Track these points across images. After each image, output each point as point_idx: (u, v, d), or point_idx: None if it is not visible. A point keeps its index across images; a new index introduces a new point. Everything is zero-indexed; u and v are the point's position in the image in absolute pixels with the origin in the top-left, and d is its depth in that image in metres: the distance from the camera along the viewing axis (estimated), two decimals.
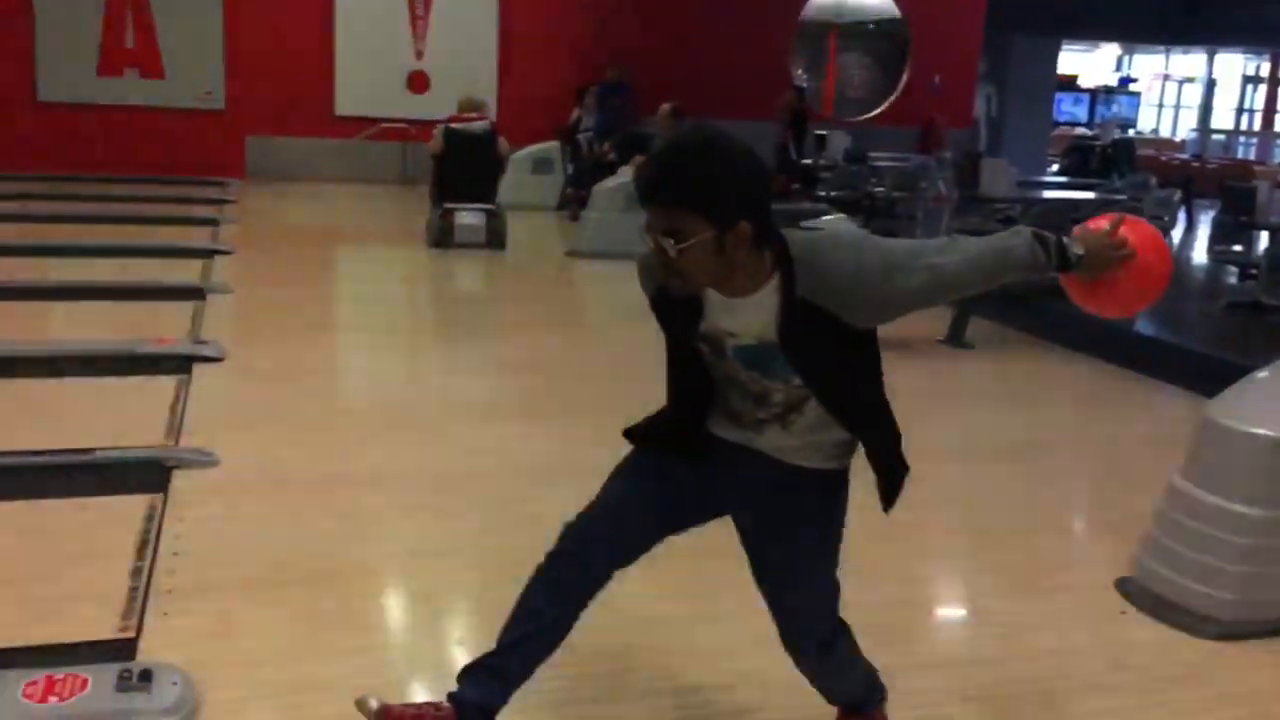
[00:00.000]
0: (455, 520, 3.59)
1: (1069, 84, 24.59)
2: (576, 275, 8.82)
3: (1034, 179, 12.53)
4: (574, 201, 10.76)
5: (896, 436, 2.08)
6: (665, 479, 2.12)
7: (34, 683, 2.34)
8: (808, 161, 12.22)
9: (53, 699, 2.30)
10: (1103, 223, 2.07)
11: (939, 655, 2.99)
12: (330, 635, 2.82)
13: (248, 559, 3.19)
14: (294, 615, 2.89)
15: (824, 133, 13.50)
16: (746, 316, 1.92)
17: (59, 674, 2.37)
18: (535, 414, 4.86)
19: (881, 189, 10.46)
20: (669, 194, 1.80)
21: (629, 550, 2.14)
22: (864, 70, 15.83)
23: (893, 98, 15.50)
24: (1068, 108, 24.90)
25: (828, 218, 7.03)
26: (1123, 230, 2.04)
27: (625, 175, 9.23)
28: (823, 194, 10.45)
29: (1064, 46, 20.02)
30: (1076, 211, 8.00)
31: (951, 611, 3.43)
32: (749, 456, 2.07)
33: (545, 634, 2.12)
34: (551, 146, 11.83)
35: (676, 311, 1.98)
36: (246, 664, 2.63)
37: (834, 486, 2.11)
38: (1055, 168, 16.65)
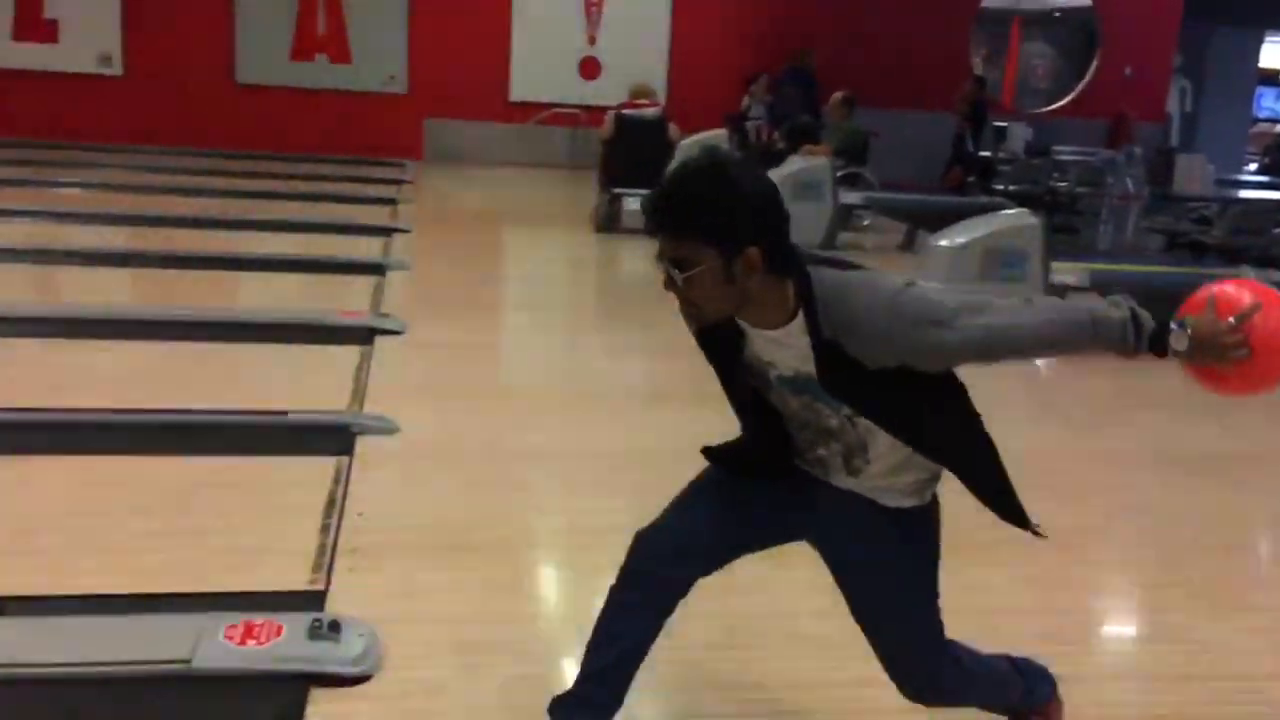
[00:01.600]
0: (620, 498, 3.62)
1: (1271, 78, 23.04)
2: None
3: (1231, 177, 11.81)
4: None
5: (992, 464, 1.93)
6: (738, 498, 2.07)
7: (234, 626, 2.49)
8: (986, 154, 11.83)
9: (251, 642, 2.45)
10: (1236, 296, 1.80)
11: (1122, 668, 2.86)
12: (503, 602, 2.91)
13: (426, 524, 3.31)
14: (469, 580, 2.99)
15: (1004, 125, 13.04)
16: (781, 350, 1.86)
17: (257, 619, 2.52)
18: (699, 398, 4.85)
19: (1064, 184, 10.04)
20: (672, 221, 1.76)
21: (705, 563, 2.10)
22: (1048, 60, 15.21)
23: (1079, 89, 14.84)
24: (1269, 103, 23.35)
25: (1008, 212, 6.81)
26: (1256, 319, 1.76)
27: (794, 164, 9.15)
28: (1000, 188, 10.10)
29: (1267, 39, 18.75)
30: None
31: (1136, 625, 3.27)
32: (825, 490, 2.00)
33: (627, 659, 2.11)
34: (720, 134, 11.80)
35: (719, 341, 1.93)
36: (425, 622, 2.73)
37: (916, 523, 1.98)
38: (1254, 166, 15.65)
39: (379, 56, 13.30)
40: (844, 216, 9.26)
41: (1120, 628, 3.25)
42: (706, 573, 2.10)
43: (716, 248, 1.73)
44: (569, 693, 2.15)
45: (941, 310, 1.76)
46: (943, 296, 1.80)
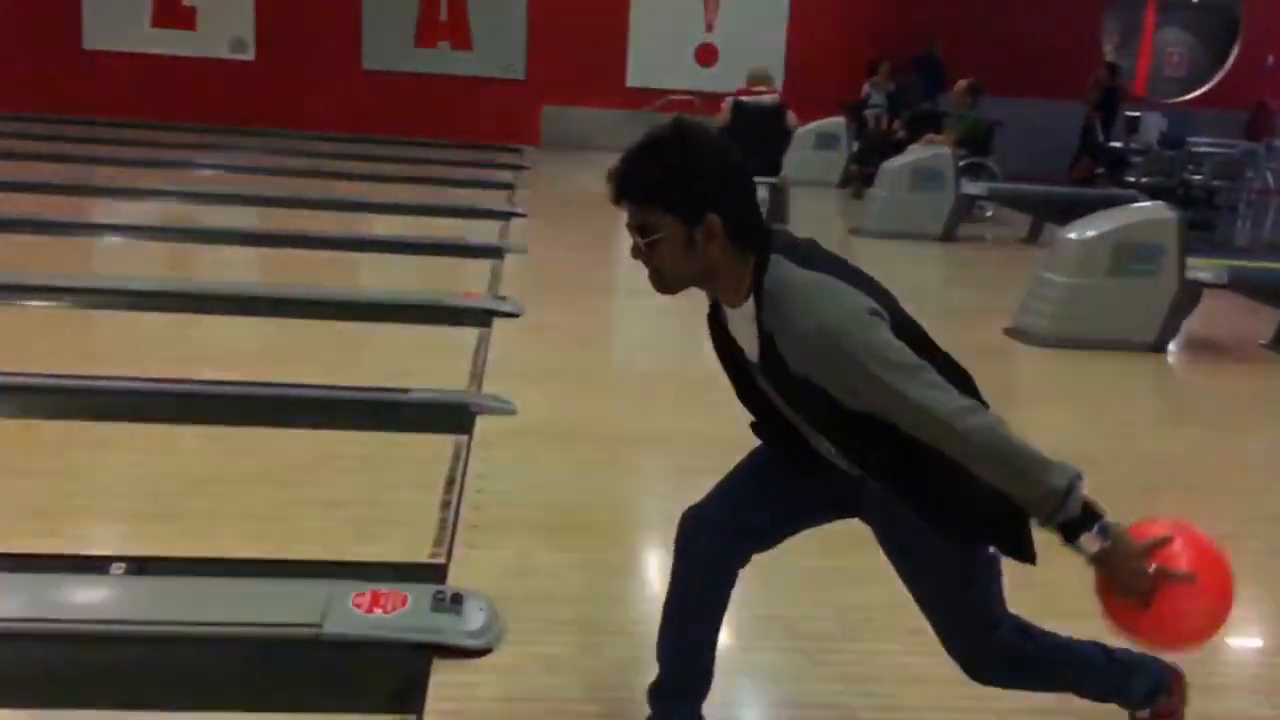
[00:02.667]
0: None
1: None
2: (859, 254, 8.66)
3: None
4: (858, 179, 10.57)
5: (943, 488, 1.79)
6: (783, 474, 2.06)
7: (362, 594, 2.58)
8: (1116, 145, 11.43)
9: (378, 610, 2.52)
10: (1156, 531, 1.70)
11: (1242, 680, 2.75)
12: (619, 583, 2.95)
13: (542, 504, 3.37)
14: (585, 560, 3.03)
15: (1136, 115, 12.58)
16: (743, 331, 1.85)
17: (383, 589, 2.60)
18: None
19: (1199, 177, 9.64)
20: (632, 188, 1.78)
21: (756, 537, 2.10)
22: (1184, 47, 14.59)
23: (1217, 78, 14.20)
24: None
25: (1142, 205, 6.56)
26: (1176, 552, 1.67)
27: (914, 153, 8.98)
28: (1131, 180, 9.75)
29: None
30: None
31: (1260, 636, 3.13)
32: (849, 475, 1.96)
33: (700, 634, 2.12)
34: (837, 122, 11.66)
35: (715, 325, 1.94)
36: (543, 600, 2.77)
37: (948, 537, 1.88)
38: None
39: (499, 43, 13.50)
40: (965, 208, 9.06)
41: (1243, 639, 3.11)
42: (760, 547, 2.12)
43: (677, 215, 1.76)
44: (659, 680, 2.17)
45: (894, 356, 1.68)
46: (899, 350, 1.69)
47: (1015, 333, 5.79)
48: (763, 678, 2.56)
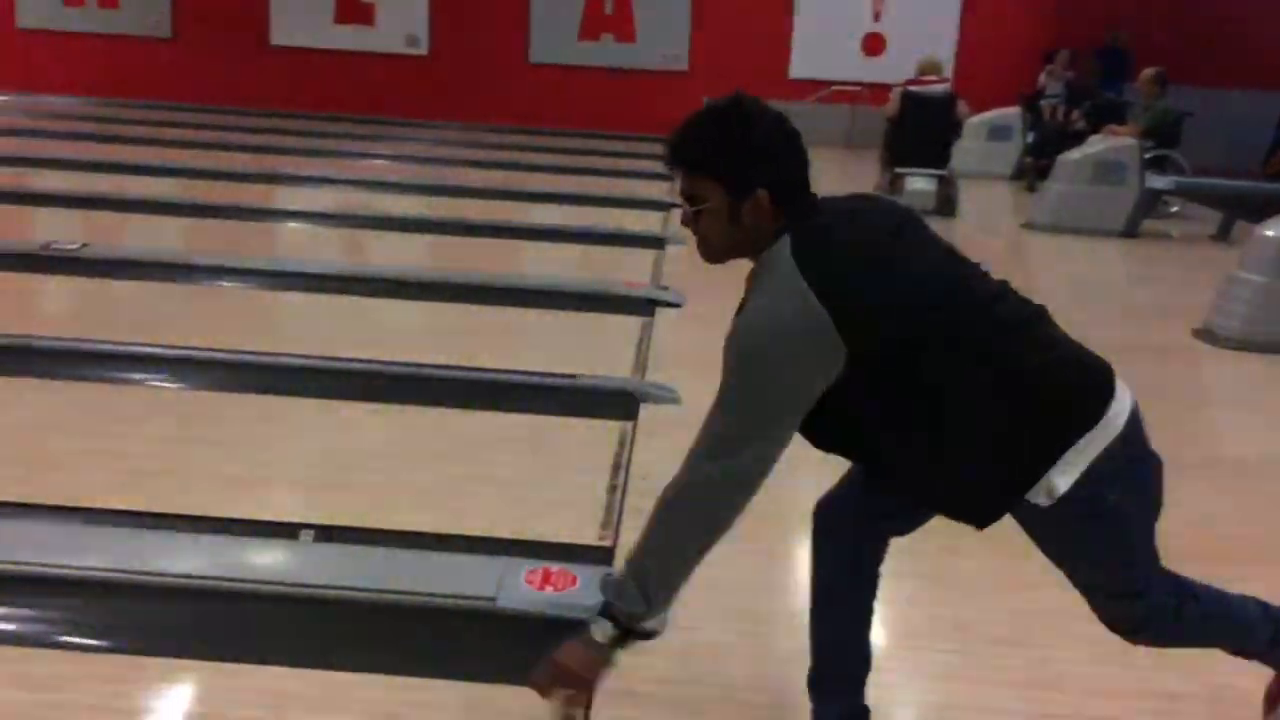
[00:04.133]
0: None
1: None
2: (1032, 249, 8.36)
3: None
4: (1032, 171, 10.19)
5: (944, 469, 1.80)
6: None
7: (534, 571, 2.63)
8: None
9: (549, 588, 2.58)
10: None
11: None
12: (785, 573, 2.92)
13: None
14: (752, 550, 2.99)
15: None
16: None
17: (554, 568, 2.65)
18: None
19: None
20: (685, 156, 1.80)
21: (891, 520, 2.05)
22: None
23: None
24: None
25: None
26: None
27: (1095, 145, 8.59)
28: None
29: None
30: None
31: None
32: None
33: (851, 623, 2.09)
34: (1011, 113, 11.27)
35: None
36: (709, 588, 2.73)
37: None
38: None
39: (662, 35, 13.57)
40: (1150, 202, 8.61)
41: None
42: (895, 529, 2.07)
43: (725, 187, 1.77)
44: (812, 670, 2.15)
45: (739, 395, 1.75)
46: (748, 393, 1.75)
47: (1204, 334, 5.48)
48: (932, 679, 2.50)
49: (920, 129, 8.57)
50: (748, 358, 1.75)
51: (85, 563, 2.66)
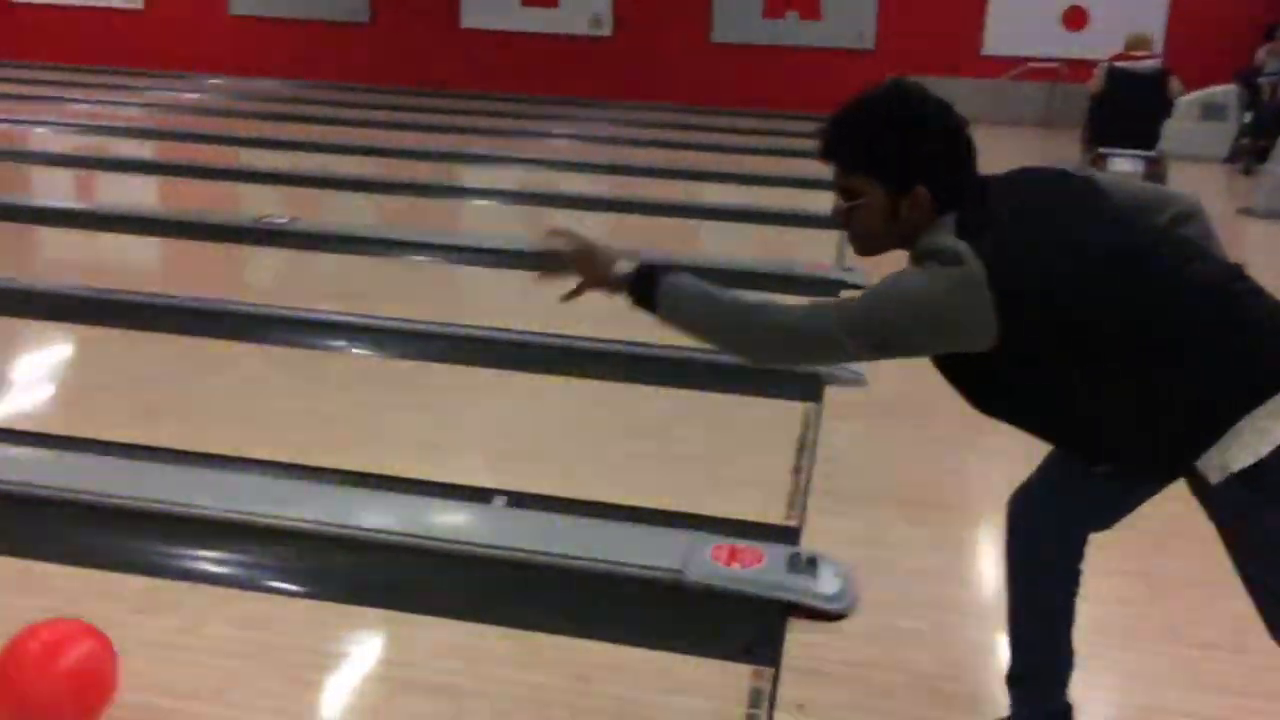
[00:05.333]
0: None
1: None
2: (1249, 237, 7.81)
3: None
4: (1249, 153, 9.53)
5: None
6: None
7: (720, 547, 2.64)
8: None
9: (735, 565, 2.58)
10: None
11: None
12: (975, 563, 2.86)
13: (896, 477, 3.31)
14: (941, 538, 2.95)
15: None
16: None
17: (740, 545, 2.65)
18: None
19: None
20: (840, 151, 1.73)
21: (1086, 515, 1.93)
22: None
23: None
24: None
25: None
26: None
27: None
28: None
29: None
30: None
31: None
32: None
33: (1049, 618, 1.99)
34: (1226, 90, 10.54)
35: None
36: (897, 573, 2.72)
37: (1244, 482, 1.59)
38: None
39: (848, 13, 13.29)
40: None
41: None
42: (1098, 525, 1.96)
43: (883, 183, 1.69)
44: (1011, 665, 2.07)
45: (866, 324, 1.68)
46: (873, 325, 1.68)
47: None
48: (1140, 680, 2.38)
49: (1127, 108, 8.10)
50: (895, 299, 1.67)
51: (296, 514, 2.83)
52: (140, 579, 2.56)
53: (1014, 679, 2.08)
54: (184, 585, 2.57)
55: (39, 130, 9.65)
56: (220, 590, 2.57)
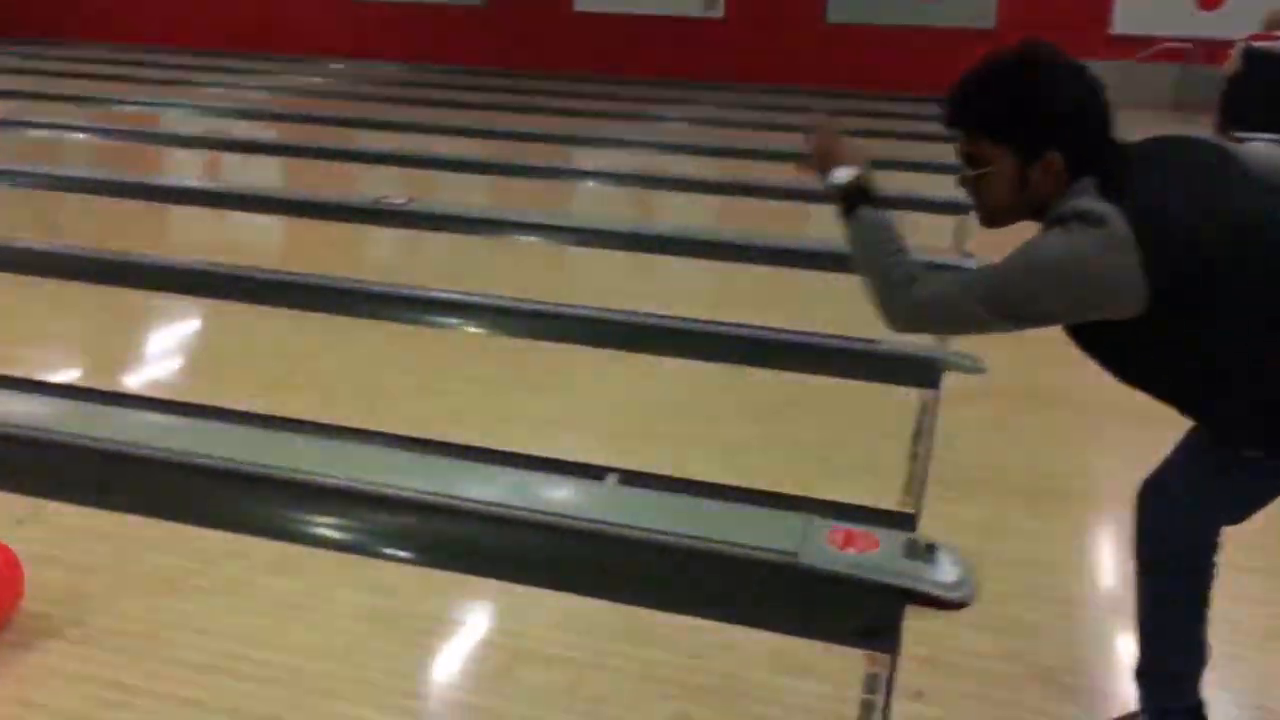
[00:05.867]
0: None
1: None
2: None
3: None
4: None
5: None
6: None
7: (835, 531, 2.62)
8: None
9: (850, 550, 2.56)
10: None
11: None
12: (1098, 554, 2.78)
13: (1016, 466, 3.23)
14: (1063, 529, 2.87)
15: None
16: None
17: (856, 529, 2.62)
18: None
19: None
20: (968, 116, 1.68)
21: (1224, 512, 1.84)
22: None
23: None
24: None
25: None
26: None
27: None
28: None
29: None
30: None
31: None
32: None
33: (1179, 622, 1.91)
34: None
35: None
36: (1018, 563, 2.66)
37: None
38: None
39: None
40: None
41: None
42: (1229, 520, 1.87)
43: (1013, 149, 1.64)
44: (1140, 660, 2.00)
45: (1003, 289, 1.65)
46: (1009, 291, 1.65)
47: None
48: (1277, 683, 2.29)
49: (1266, 89, 7.74)
50: (1037, 263, 1.62)
51: (416, 486, 2.90)
52: (270, 543, 2.66)
53: (1142, 675, 2.02)
54: (310, 550, 2.66)
55: (171, 113, 10.04)
56: (344, 556, 2.65)
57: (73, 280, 4.78)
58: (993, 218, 1.76)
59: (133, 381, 3.83)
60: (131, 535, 2.67)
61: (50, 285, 4.74)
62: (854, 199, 1.84)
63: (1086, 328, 1.70)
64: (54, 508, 2.77)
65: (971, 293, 1.68)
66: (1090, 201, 1.60)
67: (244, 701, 2.08)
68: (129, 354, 4.17)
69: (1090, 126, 1.67)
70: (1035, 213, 1.71)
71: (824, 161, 1.88)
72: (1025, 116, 1.65)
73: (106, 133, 8.71)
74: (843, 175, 1.85)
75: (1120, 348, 1.71)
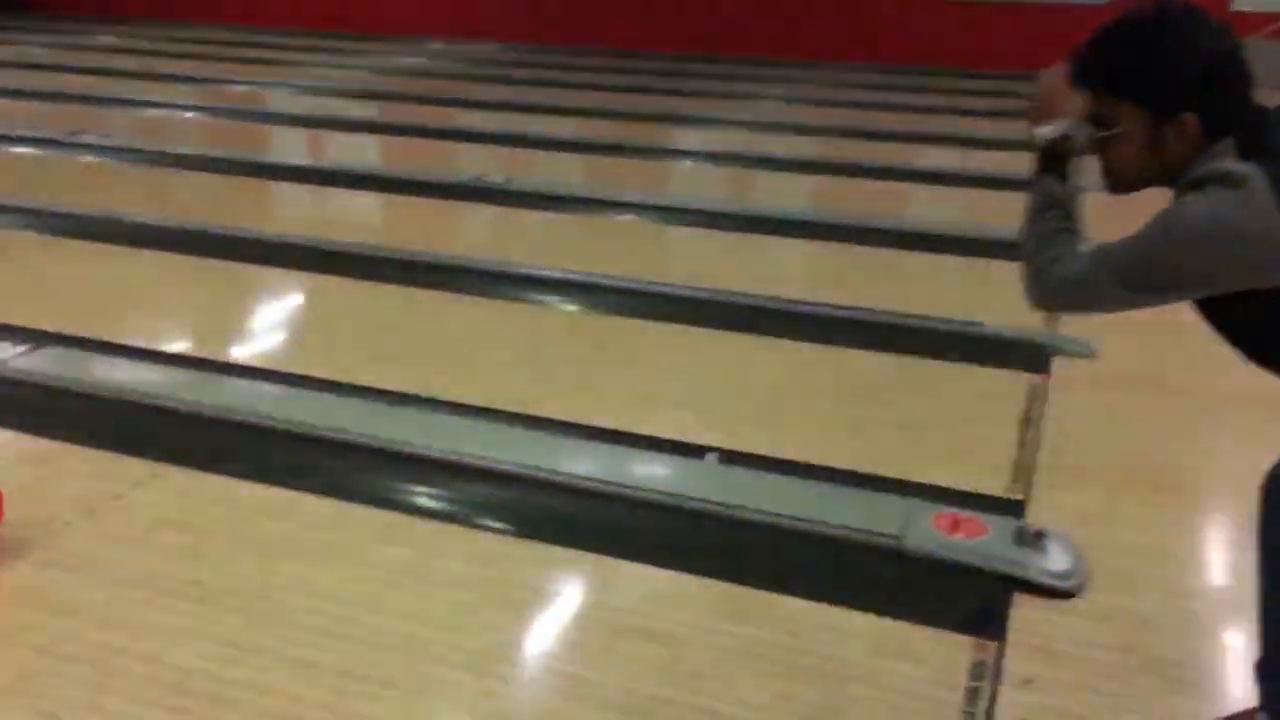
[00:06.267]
0: None
1: None
2: None
3: None
4: None
5: None
6: None
7: (941, 516, 2.58)
8: None
9: (958, 535, 2.51)
10: None
11: None
12: (1213, 546, 2.71)
13: (1129, 454, 3.14)
14: (1177, 519, 2.78)
15: None
16: None
17: (964, 515, 2.57)
18: None
19: None
20: (1098, 74, 1.60)
21: None
22: None
23: None
24: None
25: None
26: None
27: None
28: None
29: None
30: None
31: None
32: None
33: None
34: None
35: None
36: (1130, 554, 2.59)
37: None
38: None
39: None
40: None
41: None
42: None
43: (1147, 110, 1.57)
44: (1260, 654, 1.91)
45: (1146, 260, 1.57)
46: (1154, 262, 1.57)
47: None
48: None
49: None
50: (1176, 231, 1.55)
51: (518, 459, 2.92)
52: (378, 511, 2.71)
53: (1261, 669, 1.94)
54: (416, 520, 2.71)
55: (278, 92, 10.28)
56: (446, 526, 2.69)
57: (185, 254, 4.94)
58: (1120, 183, 1.69)
59: (242, 352, 3.94)
60: (244, 500, 2.75)
61: (164, 258, 4.90)
62: (1047, 162, 1.75)
63: (1219, 301, 1.63)
64: (172, 472, 2.86)
65: (1105, 268, 1.61)
66: (1230, 163, 1.53)
67: (354, 664, 2.13)
68: (238, 325, 4.29)
69: (1229, 87, 1.59)
70: (1167, 178, 1.64)
71: (1037, 113, 1.77)
72: (1159, 74, 1.58)
73: (216, 111, 8.95)
74: (1046, 132, 1.74)
75: (1255, 323, 1.63)
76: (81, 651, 2.14)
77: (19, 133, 7.38)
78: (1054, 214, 1.73)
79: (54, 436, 3.06)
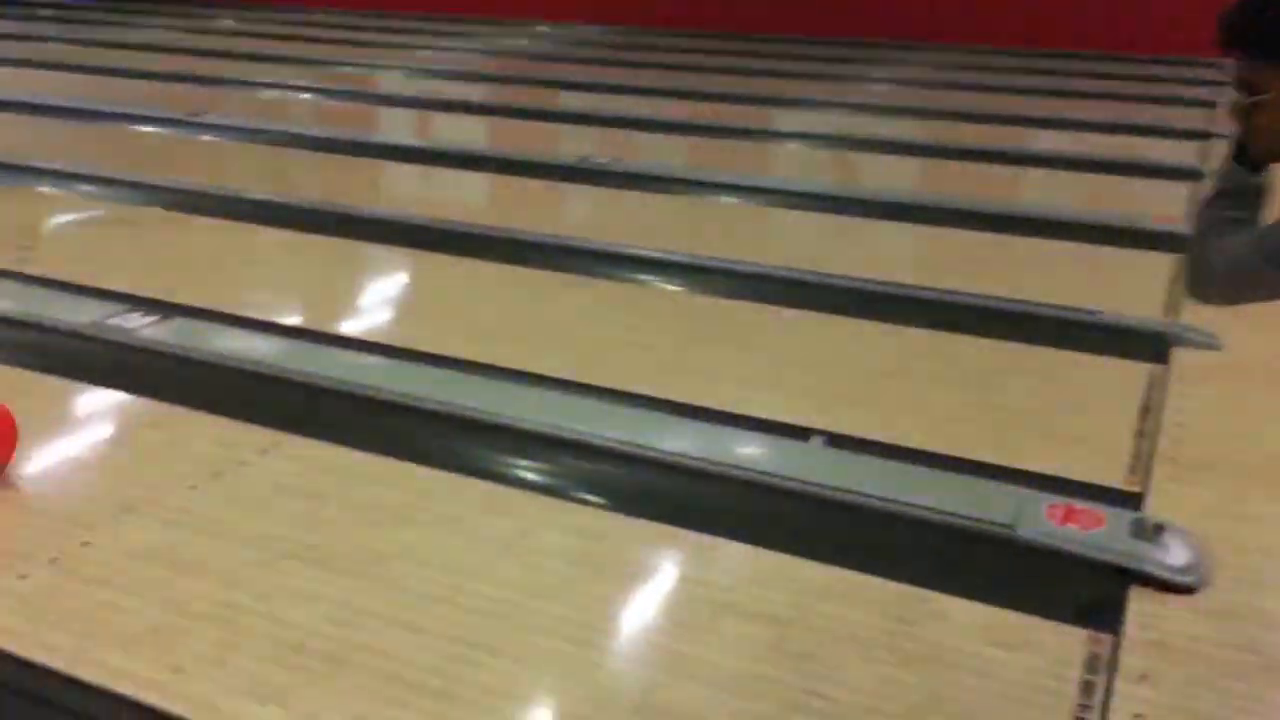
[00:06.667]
0: None
1: None
2: None
3: None
4: None
5: None
6: None
7: (1055, 506, 2.51)
8: None
9: (1072, 525, 2.45)
10: None
11: None
12: None
13: (1255, 449, 3.02)
14: None
15: None
16: None
17: (1078, 505, 2.50)
18: None
19: None
20: (1250, 36, 1.54)
21: None
22: None
23: None
24: None
25: None
26: None
27: None
28: None
29: None
30: None
31: None
32: None
33: None
34: None
35: None
36: (1255, 550, 2.50)
37: None
38: None
39: None
40: None
41: None
42: None
43: None
44: None
45: None
46: None
47: None
48: None
49: None
50: None
51: (622, 437, 2.95)
52: (483, 483, 2.76)
53: None
54: (520, 493, 2.75)
55: (390, 74, 10.48)
56: (551, 500, 2.72)
57: (301, 231, 5.08)
58: (1269, 151, 1.62)
59: (355, 326, 4.04)
60: (357, 469, 2.83)
61: (281, 234, 5.05)
62: (1239, 149, 1.67)
63: None
64: (291, 440, 2.96)
65: (1260, 254, 1.54)
66: None
67: (462, 631, 2.17)
68: (353, 300, 4.40)
69: None
70: None
71: (1242, 93, 1.67)
72: None
73: (329, 93, 9.16)
74: None
75: None
76: (207, 609, 2.22)
77: (146, 112, 7.66)
78: (1225, 203, 1.65)
79: (179, 403, 3.18)
